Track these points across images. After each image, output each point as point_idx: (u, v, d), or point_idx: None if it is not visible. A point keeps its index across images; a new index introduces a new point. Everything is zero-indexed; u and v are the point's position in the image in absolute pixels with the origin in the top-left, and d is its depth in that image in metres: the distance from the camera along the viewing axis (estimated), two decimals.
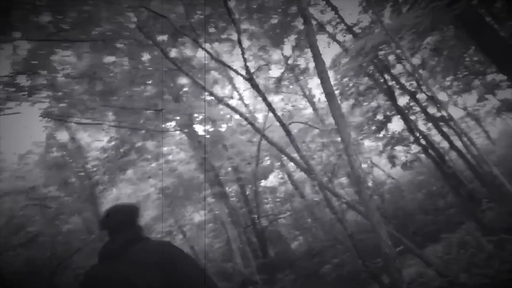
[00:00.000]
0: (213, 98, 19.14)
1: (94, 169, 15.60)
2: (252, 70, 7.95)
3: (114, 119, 13.47)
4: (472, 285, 5.29)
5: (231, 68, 8.49)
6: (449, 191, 16.37)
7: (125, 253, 2.23)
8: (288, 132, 7.23)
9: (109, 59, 12.92)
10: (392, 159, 16.01)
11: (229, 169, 18.97)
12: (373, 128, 15.84)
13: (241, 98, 21.17)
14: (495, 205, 13.20)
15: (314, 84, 21.98)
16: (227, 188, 16.93)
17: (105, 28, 9.97)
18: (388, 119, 14.86)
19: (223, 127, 18.41)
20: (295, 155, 8.22)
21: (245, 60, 7.38)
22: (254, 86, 7.31)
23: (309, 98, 21.54)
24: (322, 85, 3.80)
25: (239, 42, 7.72)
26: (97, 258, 2.33)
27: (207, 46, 17.22)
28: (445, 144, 14.57)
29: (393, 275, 3.33)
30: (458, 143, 13.25)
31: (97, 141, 17.48)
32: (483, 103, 17.61)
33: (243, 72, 7.56)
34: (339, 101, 4.02)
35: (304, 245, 20.04)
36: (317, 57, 3.66)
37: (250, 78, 7.25)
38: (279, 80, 18.79)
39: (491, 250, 6.17)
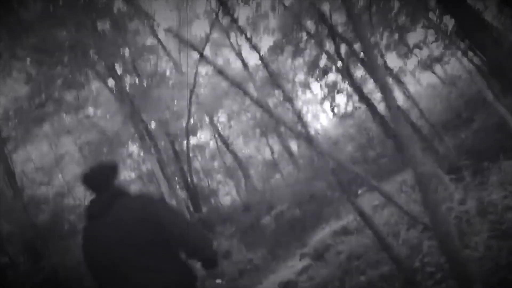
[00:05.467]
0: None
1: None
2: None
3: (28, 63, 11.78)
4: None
5: None
6: (377, 143, 16.93)
7: (111, 209, 2.28)
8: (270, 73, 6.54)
9: None
10: (333, 107, 16.26)
11: (157, 124, 17.93)
12: (317, 73, 15.75)
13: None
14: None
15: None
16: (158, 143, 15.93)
17: None
18: (333, 61, 14.61)
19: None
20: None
21: None
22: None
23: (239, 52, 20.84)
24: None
25: None
26: (85, 218, 2.38)
27: None
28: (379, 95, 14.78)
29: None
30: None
31: None
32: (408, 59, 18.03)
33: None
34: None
35: (236, 200, 19.87)
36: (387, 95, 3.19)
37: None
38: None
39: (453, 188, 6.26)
